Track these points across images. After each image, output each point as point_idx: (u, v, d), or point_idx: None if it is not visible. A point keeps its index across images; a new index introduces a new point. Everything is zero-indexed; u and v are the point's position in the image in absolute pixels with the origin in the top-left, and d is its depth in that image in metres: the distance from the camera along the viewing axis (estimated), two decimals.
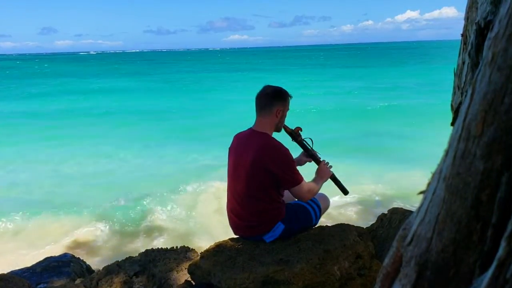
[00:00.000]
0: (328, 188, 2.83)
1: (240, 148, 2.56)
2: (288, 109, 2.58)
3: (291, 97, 2.58)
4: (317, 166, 2.81)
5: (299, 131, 2.77)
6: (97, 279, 2.89)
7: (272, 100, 2.49)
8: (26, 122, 15.08)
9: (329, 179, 2.83)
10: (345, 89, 22.98)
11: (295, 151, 2.85)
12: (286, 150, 2.47)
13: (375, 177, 7.37)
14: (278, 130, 2.60)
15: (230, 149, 2.67)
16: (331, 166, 2.82)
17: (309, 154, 2.84)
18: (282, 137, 2.62)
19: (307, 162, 2.90)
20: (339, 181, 2.91)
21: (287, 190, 2.79)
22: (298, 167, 2.81)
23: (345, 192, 2.94)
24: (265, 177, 2.43)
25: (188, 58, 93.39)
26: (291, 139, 2.78)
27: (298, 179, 2.48)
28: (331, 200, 2.93)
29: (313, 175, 2.74)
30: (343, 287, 2.41)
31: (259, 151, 2.43)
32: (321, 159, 2.83)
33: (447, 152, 0.79)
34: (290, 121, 2.72)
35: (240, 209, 2.56)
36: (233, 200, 2.60)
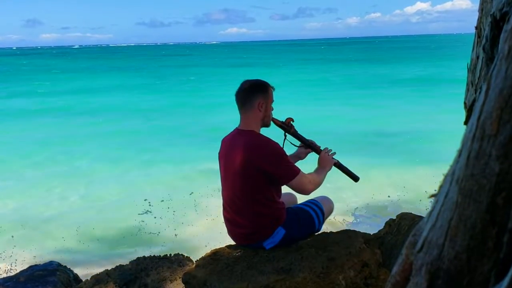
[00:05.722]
0: (330, 189, 2.82)
1: (228, 151, 2.56)
2: (272, 101, 2.56)
3: (273, 88, 2.57)
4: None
5: (291, 122, 2.74)
6: None
7: (251, 93, 2.49)
8: (9, 121, 15.07)
9: (335, 168, 2.80)
10: (351, 85, 22.99)
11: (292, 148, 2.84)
12: (275, 144, 2.46)
13: (383, 179, 7.37)
14: (266, 125, 2.58)
15: (219, 154, 2.68)
16: (334, 153, 2.79)
17: (307, 145, 2.81)
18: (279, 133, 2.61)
19: (308, 154, 2.87)
20: (346, 168, 2.83)
21: (287, 195, 2.79)
22: (300, 162, 2.80)
23: (355, 179, 2.86)
24: (258, 177, 2.42)
25: (183, 52, 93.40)
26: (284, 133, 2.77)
27: (294, 171, 2.47)
28: (335, 204, 2.93)
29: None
30: None
31: (246, 151, 2.42)
32: (321, 148, 2.80)
33: (460, 153, 0.79)
34: (289, 116, 2.72)
35: (236, 216, 2.56)
36: (228, 206, 2.60)
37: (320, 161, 2.73)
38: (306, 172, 2.56)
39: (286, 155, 2.54)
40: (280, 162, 2.45)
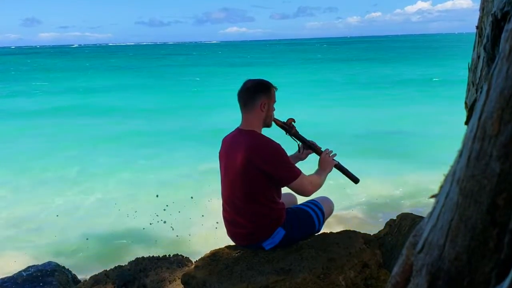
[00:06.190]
0: (330, 189, 2.82)
1: (228, 151, 2.56)
2: (274, 101, 2.56)
3: (276, 88, 2.57)
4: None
5: (292, 123, 2.74)
6: None
7: (254, 93, 2.48)
8: (7, 121, 15.06)
9: (336, 170, 2.80)
10: (352, 85, 23.00)
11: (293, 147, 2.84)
12: (277, 144, 2.46)
13: (383, 180, 7.37)
14: (267, 125, 2.58)
15: (219, 154, 2.67)
16: (335, 155, 2.78)
17: (308, 146, 2.81)
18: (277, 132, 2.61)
19: (309, 155, 2.88)
20: (347, 170, 2.84)
21: (287, 195, 2.79)
22: (300, 163, 2.81)
23: (355, 180, 2.87)
24: (258, 177, 2.42)
25: (183, 52, 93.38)
26: (285, 133, 2.77)
27: (295, 172, 2.47)
28: (335, 204, 2.92)
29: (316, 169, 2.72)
30: None
31: (247, 151, 2.42)
32: (321, 149, 2.81)
33: (461, 153, 0.79)
34: (289, 117, 2.72)
35: (236, 216, 2.56)
36: (228, 207, 2.60)
37: (320, 163, 2.73)
38: (306, 173, 2.56)
39: (287, 156, 2.53)
40: (281, 163, 2.45)
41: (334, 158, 2.78)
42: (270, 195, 2.50)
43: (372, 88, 21.39)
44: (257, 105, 2.47)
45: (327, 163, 2.72)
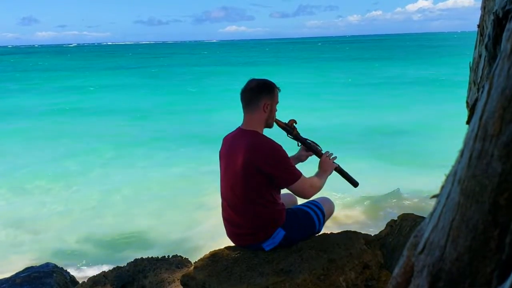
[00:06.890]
0: (331, 190, 2.82)
1: (229, 150, 2.56)
2: (277, 102, 2.55)
3: (279, 89, 2.56)
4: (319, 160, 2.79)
5: (294, 124, 2.74)
6: None
7: (258, 94, 2.48)
8: (4, 121, 15.05)
9: (335, 172, 2.80)
10: (353, 85, 23.00)
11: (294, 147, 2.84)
12: (278, 146, 2.46)
13: (384, 180, 7.37)
14: (269, 126, 2.58)
15: (220, 153, 2.67)
16: (335, 158, 2.79)
17: (308, 147, 2.82)
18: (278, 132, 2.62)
19: (309, 157, 2.88)
20: (346, 173, 2.85)
21: (287, 195, 2.79)
22: (300, 164, 2.81)
23: (354, 184, 2.89)
24: (258, 178, 2.42)
25: (182, 51, 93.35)
26: (286, 135, 2.77)
27: (296, 174, 2.47)
28: (336, 205, 2.93)
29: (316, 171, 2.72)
30: None
31: (248, 151, 2.42)
32: (322, 151, 2.81)
33: (462, 153, 0.79)
34: (290, 117, 2.72)
35: (236, 216, 2.56)
36: (228, 207, 2.60)
37: (321, 165, 2.73)
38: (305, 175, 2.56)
39: (288, 158, 2.53)
40: (282, 164, 2.45)
41: (334, 161, 2.79)
42: (270, 195, 2.50)
43: (373, 88, 21.39)
44: (260, 105, 2.47)
45: (328, 165, 2.72)
